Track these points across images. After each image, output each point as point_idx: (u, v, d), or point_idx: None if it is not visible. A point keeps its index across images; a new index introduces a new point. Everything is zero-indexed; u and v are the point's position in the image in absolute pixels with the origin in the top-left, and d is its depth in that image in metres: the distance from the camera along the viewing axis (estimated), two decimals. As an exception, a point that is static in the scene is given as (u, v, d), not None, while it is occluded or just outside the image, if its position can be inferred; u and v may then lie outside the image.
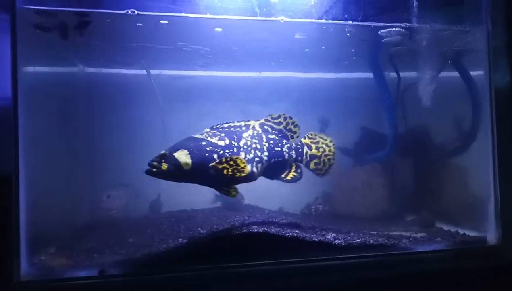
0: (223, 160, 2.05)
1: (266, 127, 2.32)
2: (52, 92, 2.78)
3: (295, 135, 2.38)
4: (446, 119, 3.31)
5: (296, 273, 2.10)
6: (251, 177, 2.19)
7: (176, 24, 2.45)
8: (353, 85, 3.79)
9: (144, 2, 2.27)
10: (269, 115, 2.35)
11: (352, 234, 2.49)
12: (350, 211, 3.32)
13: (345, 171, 3.50)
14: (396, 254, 2.28)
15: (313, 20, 2.54)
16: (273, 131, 2.33)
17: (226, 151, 2.12)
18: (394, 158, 3.28)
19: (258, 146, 2.23)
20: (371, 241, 2.35)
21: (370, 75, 3.14)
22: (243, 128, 2.25)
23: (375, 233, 2.64)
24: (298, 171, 2.37)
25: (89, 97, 3.24)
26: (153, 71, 3.38)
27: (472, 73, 3.07)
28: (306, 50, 3.05)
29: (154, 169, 1.97)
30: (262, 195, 3.35)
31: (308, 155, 2.39)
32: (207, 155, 2.07)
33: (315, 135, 2.45)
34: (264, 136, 2.28)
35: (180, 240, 2.38)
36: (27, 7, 2.11)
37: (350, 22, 2.55)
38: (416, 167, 3.54)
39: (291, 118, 2.37)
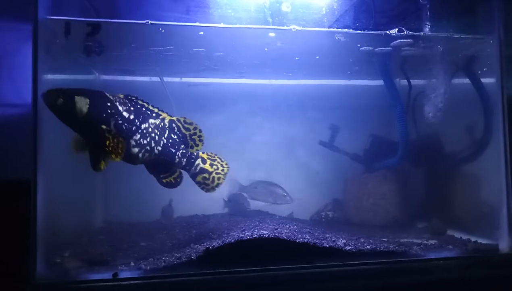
0: (112, 132, 2.04)
1: (174, 125, 2.32)
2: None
3: (195, 148, 2.39)
4: (458, 127, 3.30)
5: (307, 278, 2.11)
6: (133, 160, 2.19)
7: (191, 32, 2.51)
8: (364, 92, 3.81)
9: (159, 12, 2.33)
10: (184, 117, 2.35)
11: (362, 240, 2.49)
12: (360, 217, 3.32)
13: (356, 177, 3.51)
14: (407, 261, 2.27)
15: (325, 29, 2.57)
16: (178, 133, 2.33)
17: (125, 124, 2.11)
18: (405, 165, 3.27)
19: (156, 138, 2.23)
20: (382, 247, 2.35)
21: (381, 82, 3.16)
22: (153, 115, 2.25)
23: (385, 239, 2.63)
24: (178, 179, 2.38)
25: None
26: (171, 79, 3.43)
27: (484, 81, 3.06)
28: (317, 57, 3.08)
29: (49, 98, 1.93)
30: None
31: (198, 168, 2.40)
32: (104, 115, 2.04)
33: (215, 156, 2.48)
34: (167, 132, 2.28)
35: (191, 244, 2.41)
36: (50, 17, 2.17)
37: (361, 31, 2.57)
38: (427, 174, 3.53)
39: (200, 131, 2.37)
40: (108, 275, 2.03)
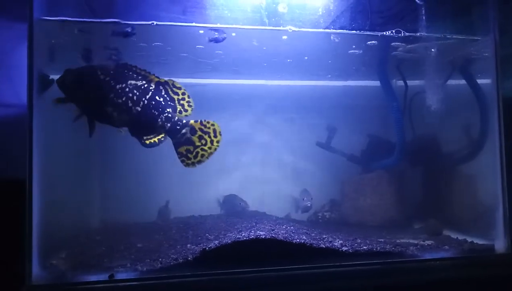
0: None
1: (161, 88, 2.27)
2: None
3: (183, 113, 2.29)
4: (454, 127, 3.31)
5: (303, 279, 2.11)
6: (109, 120, 2.22)
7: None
8: (360, 93, 3.81)
9: (156, 12, 2.33)
10: (172, 80, 2.30)
11: (359, 241, 2.50)
12: (357, 218, 3.32)
13: (352, 178, 3.51)
14: (403, 262, 2.28)
15: (321, 30, 2.57)
16: (165, 96, 2.28)
17: (99, 85, 2.18)
18: (401, 165, 3.28)
19: (135, 98, 2.21)
20: (378, 248, 2.35)
21: (377, 83, 3.16)
22: (138, 77, 2.24)
23: (382, 240, 2.63)
24: (162, 139, 2.27)
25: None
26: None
27: (479, 81, 3.07)
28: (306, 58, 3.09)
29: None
30: (269, 202, 3.38)
31: (184, 137, 2.28)
32: (87, 83, 2.18)
33: (210, 127, 2.31)
34: (150, 93, 2.25)
35: (188, 245, 2.41)
36: (45, 18, 2.17)
37: (358, 31, 2.58)
38: (423, 175, 3.54)
39: (189, 96, 2.29)
40: (104, 277, 2.02)
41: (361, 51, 2.88)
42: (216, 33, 2.48)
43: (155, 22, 2.33)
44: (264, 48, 2.82)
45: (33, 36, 2.00)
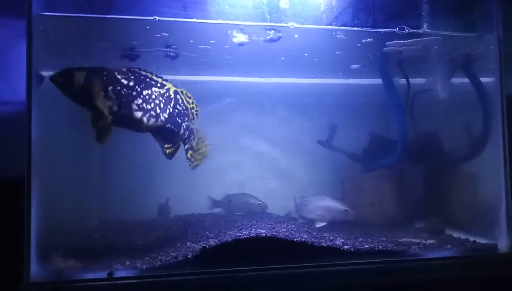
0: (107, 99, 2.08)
1: (178, 97, 2.35)
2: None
3: (193, 121, 2.43)
4: (457, 126, 3.29)
5: (304, 278, 2.09)
6: (137, 125, 2.20)
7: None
8: (362, 91, 3.79)
9: (156, 8, 2.31)
10: (185, 90, 2.38)
11: (360, 239, 2.48)
12: (358, 217, 3.30)
13: (354, 177, 3.49)
14: (405, 261, 2.26)
15: (323, 26, 2.55)
16: (182, 104, 2.36)
17: (124, 89, 2.13)
18: (403, 164, 3.26)
19: (162, 105, 2.26)
20: (380, 247, 2.34)
21: (379, 81, 3.14)
22: (158, 85, 2.27)
23: (384, 239, 2.62)
24: (175, 152, 2.38)
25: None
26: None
27: (483, 79, 3.05)
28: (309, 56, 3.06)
29: (55, 79, 2.04)
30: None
31: (191, 143, 2.44)
32: (101, 84, 2.08)
33: (201, 132, 2.48)
34: (173, 101, 2.31)
35: (188, 243, 2.40)
36: (43, 13, 2.15)
37: (360, 28, 2.56)
38: (425, 173, 3.52)
39: (197, 105, 2.42)
40: (103, 274, 2.01)
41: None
42: (271, 32, 2.48)
43: (157, 18, 2.31)
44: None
45: (31, 32, 1.98)
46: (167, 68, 2.94)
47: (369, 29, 2.57)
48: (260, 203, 3.27)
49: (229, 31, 2.51)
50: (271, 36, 2.52)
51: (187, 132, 2.40)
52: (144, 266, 2.10)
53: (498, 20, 2.58)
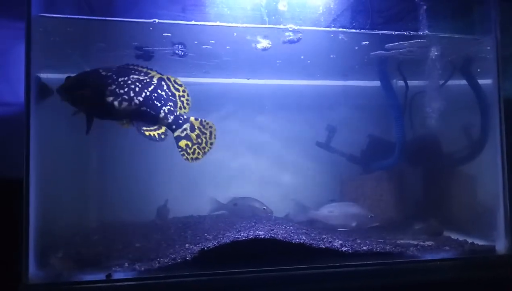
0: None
1: (163, 83, 2.32)
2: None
3: (182, 110, 2.36)
4: (455, 128, 3.30)
5: (303, 279, 2.09)
6: (111, 110, 2.21)
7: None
8: (360, 93, 3.80)
9: (155, 10, 2.31)
10: (175, 77, 2.36)
11: (359, 241, 2.48)
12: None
13: (352, 178, 3.50)
14: (403, 262, 2.26)
15: (321, 28, 2.56)
16: (166, 90, 2.33)
17: (102, 80, 2.19)
18: (402, 165, 3.26)
19: (137, 89, 2.24)
20: (378, 248, 2.34)
21: (378, 83, 3.15)
22: (142, 74, 2.28)
23: (382, 240, 2.62)
24: (162, 136, 2.31)
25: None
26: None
27: (480, 82, 3.06)
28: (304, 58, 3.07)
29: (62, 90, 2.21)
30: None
31: (184, 133, 2.34)
32: (90, 84, 2.19)
33: (208, 128, 2.40)
34: (152, 86, 2.29)
35: (186, 245, 2.39)
36: (43, 14, 2.15)
37: (358, 30, 2.56)
38: (424, 175, 3.52)
39: (188, 95, 2.36)
40: (101, 276, 2.00)
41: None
42: (290, 34, 2.46)
43: (156, 20, 2.32)
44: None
45: (30, 34, 1.99)
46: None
47: (367, 31, 2.58)
48: (265, 208, 3.25)
49: (248, 36, 2.51)
50: (291, 37, 2.50)
51: (172, 118, 2.30)
52: (143, 268, 2.09)
53: (496, 23, 2.59)
